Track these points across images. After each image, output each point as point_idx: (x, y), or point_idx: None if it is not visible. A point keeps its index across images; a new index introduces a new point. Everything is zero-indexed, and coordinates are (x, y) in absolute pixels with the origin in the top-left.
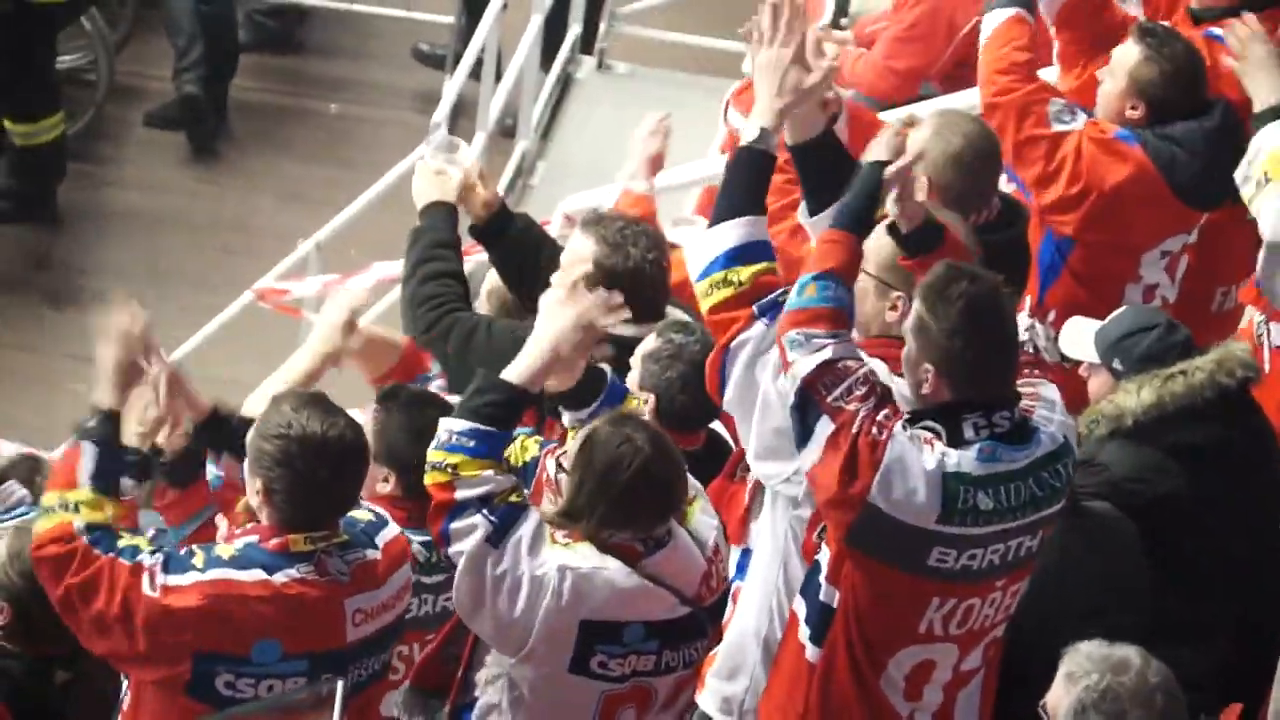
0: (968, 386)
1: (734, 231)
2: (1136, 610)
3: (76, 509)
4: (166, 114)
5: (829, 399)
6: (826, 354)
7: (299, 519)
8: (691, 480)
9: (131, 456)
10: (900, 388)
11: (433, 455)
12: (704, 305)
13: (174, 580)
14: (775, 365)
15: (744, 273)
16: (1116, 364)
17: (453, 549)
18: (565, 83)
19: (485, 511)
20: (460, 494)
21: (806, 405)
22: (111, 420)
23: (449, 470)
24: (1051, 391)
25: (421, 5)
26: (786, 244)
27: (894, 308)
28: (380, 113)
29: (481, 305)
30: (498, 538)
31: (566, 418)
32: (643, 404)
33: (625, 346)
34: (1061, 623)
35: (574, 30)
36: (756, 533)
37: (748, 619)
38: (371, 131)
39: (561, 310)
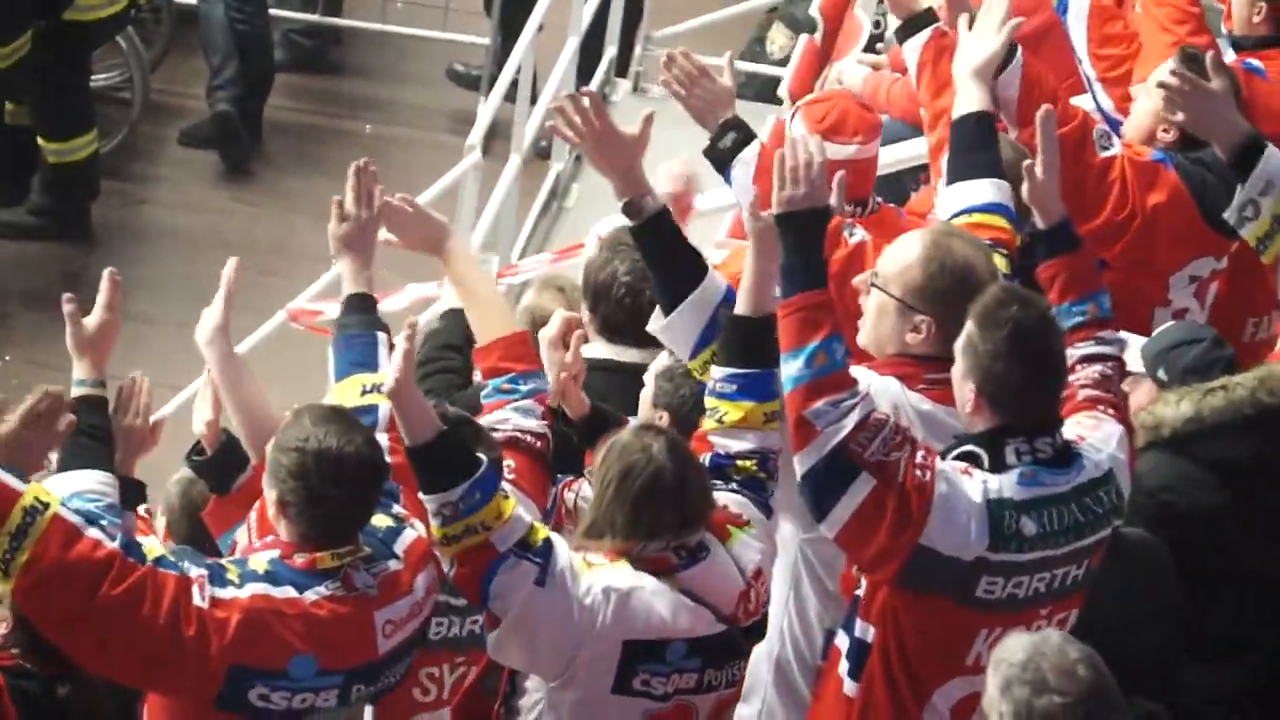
0: (1010, 411)
1: (695, 313)
2: (1168, 627)
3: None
4: (201, 133)
5: (868, 455)
6: (858, 413)
7: (313, 533)
8: (751, 509)
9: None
10: (914, 402)
11: (450, 530)
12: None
13: (220, 593)
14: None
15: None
16: (1161, 374)
17: (496, 604)
18: None
19: (529, 555)
20: (501, 545)
21: (841, 468)
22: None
23: (479, 529)
24: (1114, 429)
25: (457, 26)
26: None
27: (916, 330)
28: (415, 133)
29: (518, 321)
30: (544, 576)
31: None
32: (658, 421)
33: (633, 372)
34: (1094, 642)
35: (609, 53)
36: None
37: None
38: (406, 152)
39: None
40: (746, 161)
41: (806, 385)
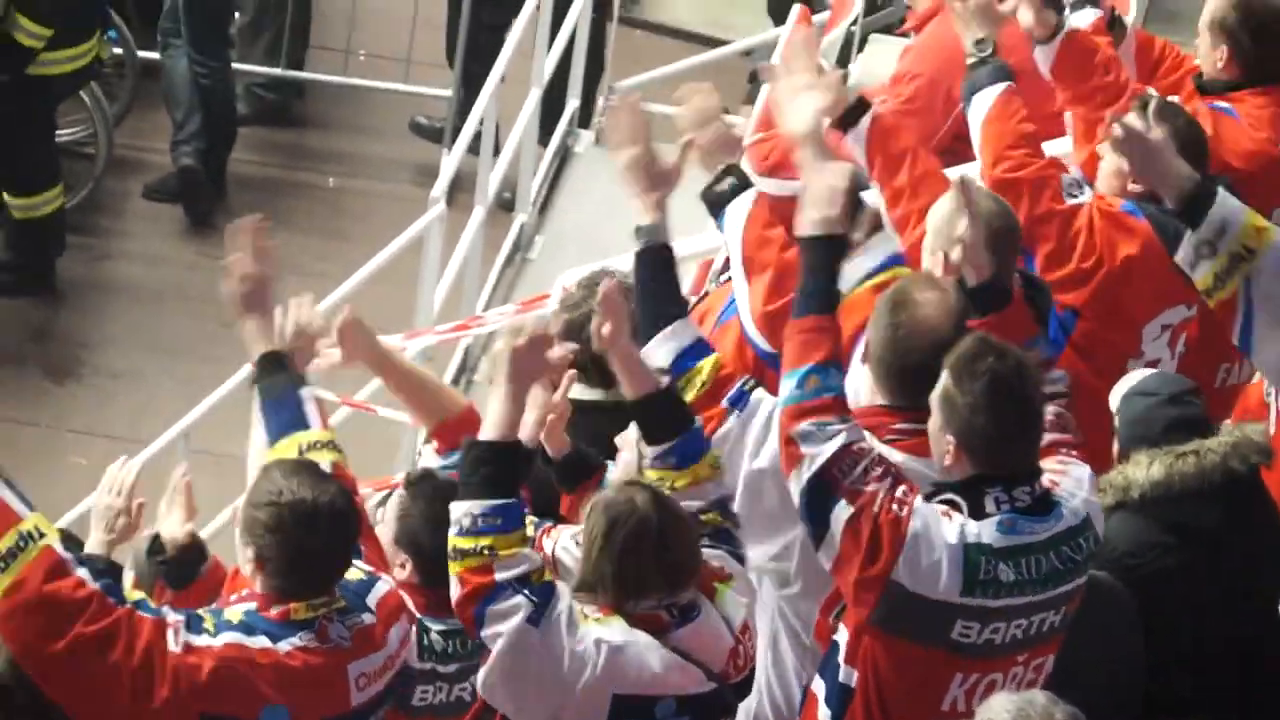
0: (989, 460)
1: (673, 340)
2: (1132, 679)
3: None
4: (165, 187)
5: (847, 482)
6: (842, 439)
7: (292, 586)
8: (729, 561)
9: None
10: (885, 453)
11: (461, 543)
12: None
13: (195, 640)
14: (750, 452)
15: (704, 367)
16: (1116, 420)
17: (489, 631)
18: (563, 156)
19: (526, 592)
20: (500, 575)
21: (822, 493)
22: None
23: (485, 553)
24: (1082, 472)
25: (419, 79)
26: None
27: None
28: (379, 185)
29: (482, 375)
30: (538, 616)
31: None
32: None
33: (604, 411)
34: (1059, 689)
35: (572, 104)
36: None
37: None
38: (370, 204)
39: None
40: (740, 205)
41: (794, 406)
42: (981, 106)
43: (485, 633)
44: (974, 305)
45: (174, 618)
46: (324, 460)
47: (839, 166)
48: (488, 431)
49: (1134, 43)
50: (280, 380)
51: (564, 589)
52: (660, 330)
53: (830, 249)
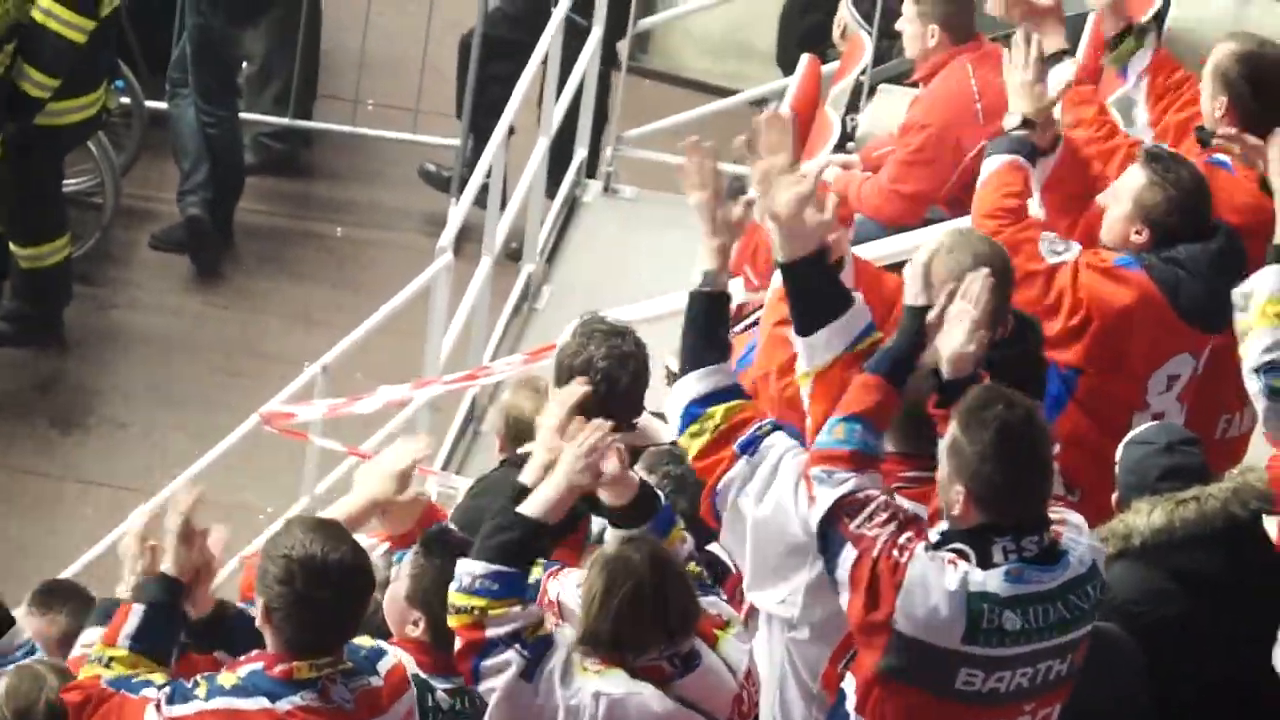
0: (998, 510)
1: (698, 384)
2: None
3: (109, 664)
4: (172, 236)
5: (851, 526)
6: (849, 486)
7: (300, 641)
8: (723, 606)
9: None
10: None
11: (455, 599)
12: (689, 456)
13: (178, 710)
14: (755, 498)
15: (717, 413)
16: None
17: (485, 685)
18: (571, 206)
19: (517, 647)
20: (490, 632)
21: (830, 537)
22: (168, 587)
23: (474, 612)
24: (1079, 519)
25: (427, 128)
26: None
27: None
28: (386, 235)
29: (490, 424)
30: (531, 671)
31: (609, 535)
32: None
33: None
34: None
35: (579, 154)
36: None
37: None
38: (378, 254)
39: (560, 440)
40: None
41: (817, 451)
42: (985, 173)
43: (481, 687)
44: (942, 395)
45: (156, 694)
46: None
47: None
48: (531, 507)
49: (1150, 58)
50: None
51: (562, 640)
52: (696, 370)
53: (918, 318)
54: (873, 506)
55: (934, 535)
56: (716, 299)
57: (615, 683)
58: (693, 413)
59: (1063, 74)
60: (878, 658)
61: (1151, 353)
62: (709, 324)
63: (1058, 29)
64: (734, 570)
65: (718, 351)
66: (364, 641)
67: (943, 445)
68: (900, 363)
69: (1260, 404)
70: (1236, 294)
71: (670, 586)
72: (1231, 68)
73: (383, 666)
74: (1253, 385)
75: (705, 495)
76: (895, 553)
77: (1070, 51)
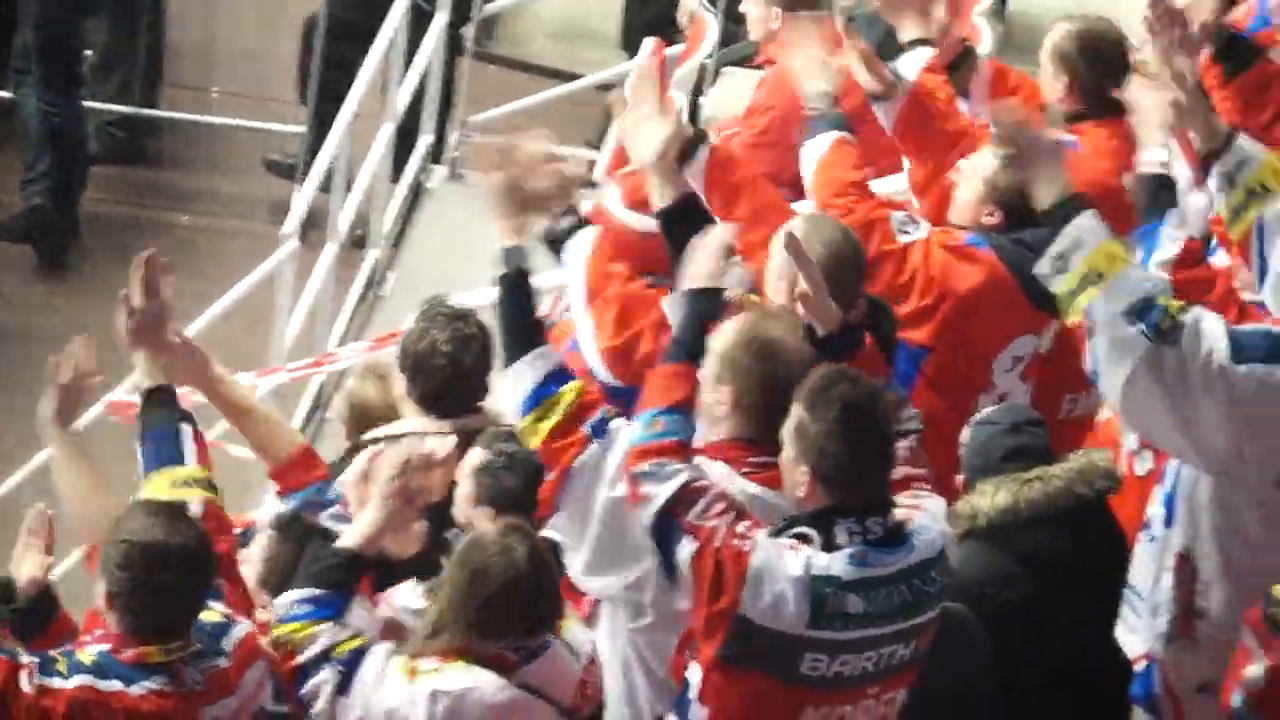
0: (842, 490)
1: (533, 369)
2: (985, 710)
3: None
4: (15, 226)
5: (689, 518)
6: (683, 477)
7: (142, 625)
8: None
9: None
10: (742, 485)
11: (274, 634)
12: (534, 442)
13: (47, 681)
14: (608, 480)
15: (567, 393)
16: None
17: (314, 711)
18: (416, 192)
19: (331, 664)
20: (301, 657)
21: (668, 531)
22: None
23: (286, 644)
24: (937, 505)
25: (273, 115)
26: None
27: (721, 402)
28: (233, 223)
29: (336, 411)
30: (347, 685)
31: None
32: (481, 519)
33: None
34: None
35: (425, 139)
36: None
37: None
38: (224, 242)
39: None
40: (582, 241)
41: (639, 446)
42: (812, 155)
43: (312, 714)
44: (825, 354)
45: (27, 659)
46: (195, 497)
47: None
48: (350, 539)
49: (987, 74)
50: (162, 414)
51: (378, 651)
52: (523, 356)
53: (711, 301)
54: (708, 497)
55: (780, 520)
56: (520, 280)
57: (453, 678)
58: (538, 396)
59: (918, 60)
60: (719, 645)
61: (997, 333)
62: (525, 303)
63: (916, 19)
64: None
65: (537, 332)
66: (210, 616)
67: (787, 427)
68: (695, 346)
69: (1127, 359)
70: (1048, 259)
71: (546, 580)
72: (1070, 47)
73: (229, 642)
74: (1121, 330)
75: (557, 477)
76: (737, 542)
77: (929, 41)
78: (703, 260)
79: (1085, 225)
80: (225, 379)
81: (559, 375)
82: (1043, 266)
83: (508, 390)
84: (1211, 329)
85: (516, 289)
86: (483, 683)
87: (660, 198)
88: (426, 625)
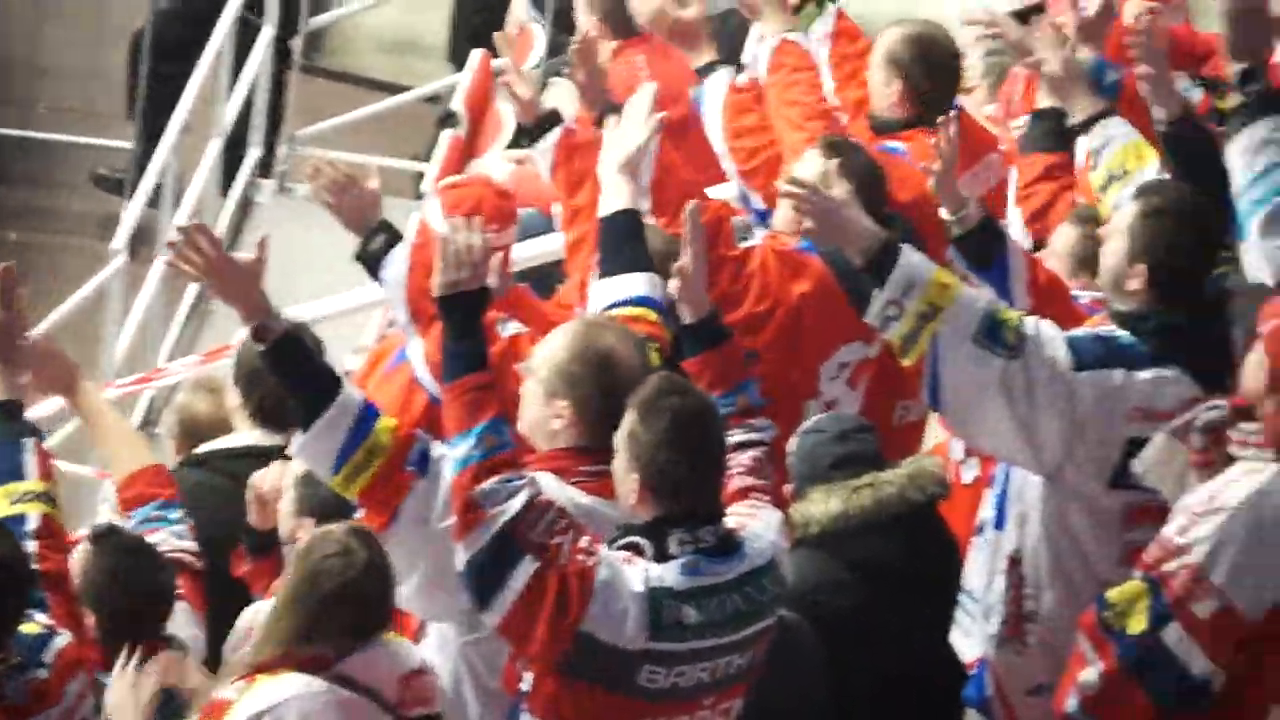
0: (673, 500)
1: (329, 437)
2: (817, 719)
3: None
4: None
5: (533, 536)
6: (526, 494)
7: None
8: None
9: None
10: (573, 495)
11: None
12: (351, 493)
13: None
14: (438, 513)
15: (380, 436)
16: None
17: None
18: (245, 206)
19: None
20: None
21: (506, 551)
22: None
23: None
24: (773, 516)
25: (101, 131)
26: None
27: (558, 415)
28: (61, 240)
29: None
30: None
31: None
32: (303, 530)
33: (265, 456)
34: None
35: (253, 153)
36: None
37: None
38: (53, 258)
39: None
40: (397, 259)
41: (477, 465)
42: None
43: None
44: (689, 344)
45: None
46: (33, 511)
47: (474, 223)
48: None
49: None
50: (5, 428)
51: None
52: (318, 420)
53: (473, 305)
54: (550, 514)
55: (613, 530)
56: (289, 339)
57: (258, 698)
58: (343, 458)
59: (720, 81)
60: (554, 661)
61: (824, 340)
62: (302, 366)
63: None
64: None
65: (330, 382)
66: (30, 629)
67: (619, 435)
68: (480, 354)
69: (988, 381)
70: (878, 309)
71: (387, 585)
72: (902, 52)
73: (49, 655)
74: (975, 354)
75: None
76: (581, 558)
77: (727, 62)
78: (452, 267)
79: (913, 264)
80: (90, 389)
81: (360, 425)
82: (874, 319)
83: (317, 453)
84: (1050, 337)
85: (290, 354)
86: (290, 691)
87: (605, 205)
88: (262, 637)
